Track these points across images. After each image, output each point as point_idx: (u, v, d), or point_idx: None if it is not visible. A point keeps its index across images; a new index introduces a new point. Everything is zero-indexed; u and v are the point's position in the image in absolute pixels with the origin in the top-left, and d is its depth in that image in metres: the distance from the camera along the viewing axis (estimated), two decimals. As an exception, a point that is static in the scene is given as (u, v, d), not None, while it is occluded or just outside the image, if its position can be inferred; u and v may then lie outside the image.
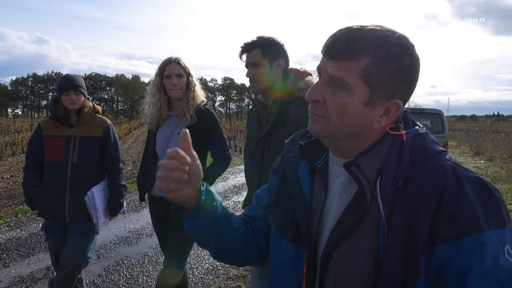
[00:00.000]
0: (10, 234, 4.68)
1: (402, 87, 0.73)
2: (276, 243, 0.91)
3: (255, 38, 1.86)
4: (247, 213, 1.05)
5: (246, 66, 1.89)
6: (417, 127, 0.80)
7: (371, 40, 0.70)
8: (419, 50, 0.76)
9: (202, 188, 0.83)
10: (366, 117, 0.74)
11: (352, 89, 0.72)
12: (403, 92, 0.74)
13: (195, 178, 0.78)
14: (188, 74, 2.42)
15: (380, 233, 0.70)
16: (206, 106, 2.47)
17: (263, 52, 1.83)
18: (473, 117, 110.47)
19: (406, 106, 0.80)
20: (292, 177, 0.90)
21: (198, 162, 0.79)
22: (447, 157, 0.74)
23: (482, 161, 13.20)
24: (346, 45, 0.71)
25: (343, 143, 0.79)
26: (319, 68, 0.78)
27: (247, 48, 1.86)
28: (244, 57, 1.89)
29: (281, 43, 1.89)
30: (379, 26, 0.73)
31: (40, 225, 4.72)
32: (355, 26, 0.73)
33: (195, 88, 2.43)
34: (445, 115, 9.78)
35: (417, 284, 0.67)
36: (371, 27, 0.72)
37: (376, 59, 0.70)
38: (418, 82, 0.77)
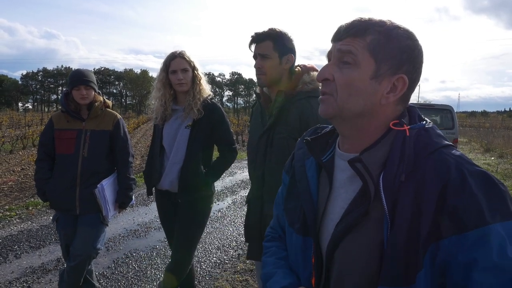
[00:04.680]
0: (22, 226, 4.76)
1: (406, 65, 0.78)
2: (289, 237, 0.94)
3: (266, 29, 1.81)
4: (272, 225, 1.10)
5: (254, 56, 1.83)
6: (424, 122, 0.81)
7: (373, 23, 0.78)
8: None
9: None
10: (373, 92, 0.77)
11: (359, 63, 0.77)
12: (408, 71, 0.78)
13: None
14: (194, 68, 2.41)
15: (384, 226, 0.72)
16: (213, 100, 2.47)
17: (275, 45, 1.78)
18: (484, 113, 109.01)
19: (415, 102, 0.81)
20: (300, 172, 0.92)
21: None
22: (453, 151, 0.75)
23: (493, 158, 13.02)
24: (352, 26, 0.79)
25: (351, 123, 0.81)
26: (329, 54, 0.83)
27: (258, 39, 1.81)
28: (253, 47, 1.83)
29: (291, 38, 1.85)
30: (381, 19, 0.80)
31: (51, 217, 4.82)
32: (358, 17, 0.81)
33: (201, 81, 2.43)
34: (455, 111, 9.65)
35: (418, 276, 0.67)
36: (371, 17, 0.80)
37: (380, 36, 0.77)
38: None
